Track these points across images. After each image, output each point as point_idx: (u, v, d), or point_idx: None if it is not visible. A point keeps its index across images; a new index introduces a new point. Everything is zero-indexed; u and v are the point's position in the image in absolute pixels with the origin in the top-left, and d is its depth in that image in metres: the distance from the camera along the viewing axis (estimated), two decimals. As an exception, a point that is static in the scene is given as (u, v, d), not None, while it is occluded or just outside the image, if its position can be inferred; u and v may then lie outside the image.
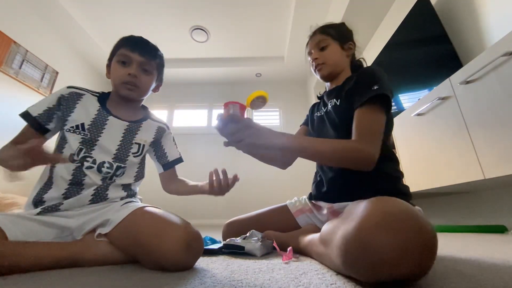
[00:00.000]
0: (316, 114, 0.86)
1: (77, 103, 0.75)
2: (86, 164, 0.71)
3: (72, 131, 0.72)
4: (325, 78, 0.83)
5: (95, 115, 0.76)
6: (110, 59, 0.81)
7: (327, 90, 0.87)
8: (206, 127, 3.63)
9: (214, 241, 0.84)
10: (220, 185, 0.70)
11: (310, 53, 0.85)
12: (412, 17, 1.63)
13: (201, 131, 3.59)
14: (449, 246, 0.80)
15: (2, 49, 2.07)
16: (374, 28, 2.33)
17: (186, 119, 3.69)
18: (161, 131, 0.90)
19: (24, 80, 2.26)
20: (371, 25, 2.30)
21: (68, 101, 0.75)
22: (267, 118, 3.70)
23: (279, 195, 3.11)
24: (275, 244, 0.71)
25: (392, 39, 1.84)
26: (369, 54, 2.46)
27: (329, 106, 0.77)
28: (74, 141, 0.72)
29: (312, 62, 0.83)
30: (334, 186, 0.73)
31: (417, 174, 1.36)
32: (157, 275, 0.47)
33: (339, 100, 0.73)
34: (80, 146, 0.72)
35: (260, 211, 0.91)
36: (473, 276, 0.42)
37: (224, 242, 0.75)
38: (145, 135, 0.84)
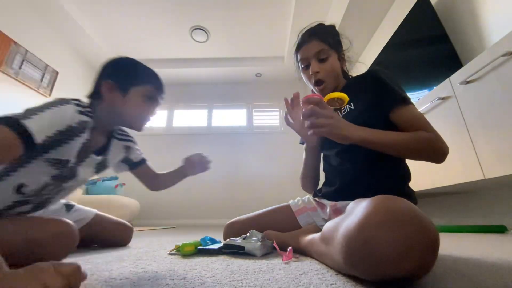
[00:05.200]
0: None
1: (77, 136, 0.63)
2: (34, 200, 0.64)
3: (51, 163, 0.61)
4: (325, 94, 0.79)
5: (82, 152, 0.67)
6: (124, 84, 0.70)
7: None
8: (206, 127, 3.63)
9: (214, 241, 0.84)
10: (200, 160, 0.86)
11: (305, 62, 0.77)
12: (412, 17, 1.63)
13: (201, 131, 3.59)
14: (449, 246, 0.80)
15: (2, 49, 2.07)
16: (374, 28, 2.33)
17: (186, 119, 3.70)
18: (129, 149, 0.87)
19: (24, 80, 2.27)
20: (371, 25, 2.30)
21: (71, 131, 0.60)
22: (267, 118, 3.70)
23: (280, 195, 3.11)
24: (275, 244, 0.71)
25: (392, 39, 1.84)
26: (369, 54, 2.46)
27: (340, 113, 0.76)
28: (45, 174, 0.62)
29: (311, 74, 0.75)
30: (344, 186, 0.73)
31: (417, 174, 1.35)
32: (157, 275, 0.47)
33: (352, 104, 0.73)
34: (50, 182, 0.64)
35: (262, 211, 0.91)
36: (473, 276, 0.41)
37: (224, 242, 0.75)
38: (113, 161, 0.82)
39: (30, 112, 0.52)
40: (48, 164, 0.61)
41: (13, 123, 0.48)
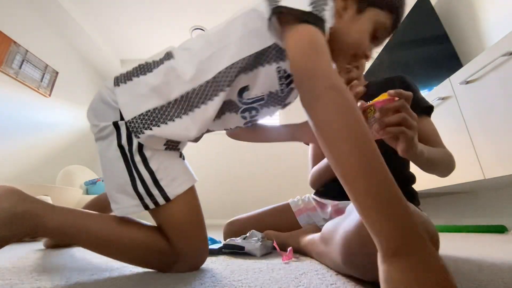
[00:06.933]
0: None
1: None
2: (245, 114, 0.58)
3: (280, 74, 0.52)
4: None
5: None
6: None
7: None
8: (206, 127, 3.62)
9: (214, 241, 0.84)
10: None
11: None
12: (412, 17, 1.63)
13: (201, 131, 3.58)
14: (449, 246, 0.80)
15: (2, 49, 2.07)
16: (374, 28, 2.33)
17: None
18: None
19: (24, 80, 2.26)
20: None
21: None
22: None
23: (280, 194, 3.11)
24: (275, 244, 0.71)
25: (392, 39, 1.84)
26: (369, 54, 2.46)
27: None
28: (268, 86, 0.53)
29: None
30: None
31: (417, 174, 1.35)
32: (157, 275, 0.47)
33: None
34: (265, 97, 0.55)
35: (261, 210, 0.91)
36: (473, 276, 0.42)
37: (224, 242, 0.75)
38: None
39: (322, 2, 0.43)
40: (276, 75, 0.52)
41: (320, 21, 0.41)
